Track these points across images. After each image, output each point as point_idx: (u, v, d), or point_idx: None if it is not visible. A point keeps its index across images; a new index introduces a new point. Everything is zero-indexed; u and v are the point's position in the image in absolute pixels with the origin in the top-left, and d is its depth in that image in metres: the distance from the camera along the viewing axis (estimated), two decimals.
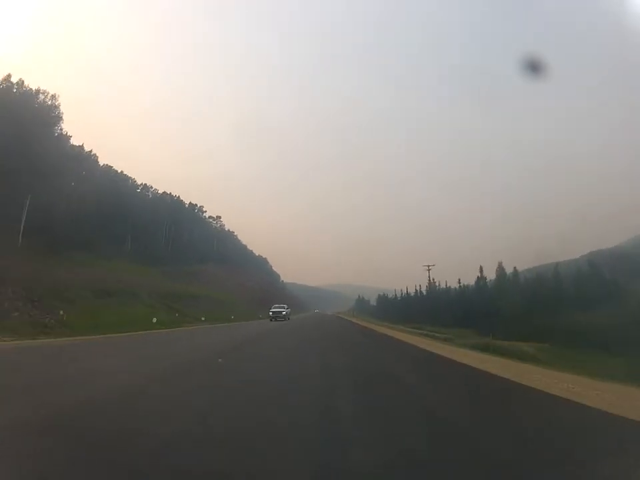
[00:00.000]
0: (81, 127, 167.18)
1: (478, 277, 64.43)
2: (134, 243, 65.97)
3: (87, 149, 65.89)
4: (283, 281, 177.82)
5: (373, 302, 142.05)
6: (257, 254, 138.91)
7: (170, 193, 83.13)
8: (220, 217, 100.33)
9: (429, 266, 57.28)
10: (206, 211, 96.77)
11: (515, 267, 65.07)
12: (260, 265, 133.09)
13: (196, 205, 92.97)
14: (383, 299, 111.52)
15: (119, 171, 75.52)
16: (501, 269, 59.72)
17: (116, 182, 70.82)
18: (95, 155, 67.59)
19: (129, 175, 77.12)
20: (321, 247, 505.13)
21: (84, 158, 62.97)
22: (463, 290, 69.83)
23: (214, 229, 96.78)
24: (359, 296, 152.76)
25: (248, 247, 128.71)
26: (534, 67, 23.77)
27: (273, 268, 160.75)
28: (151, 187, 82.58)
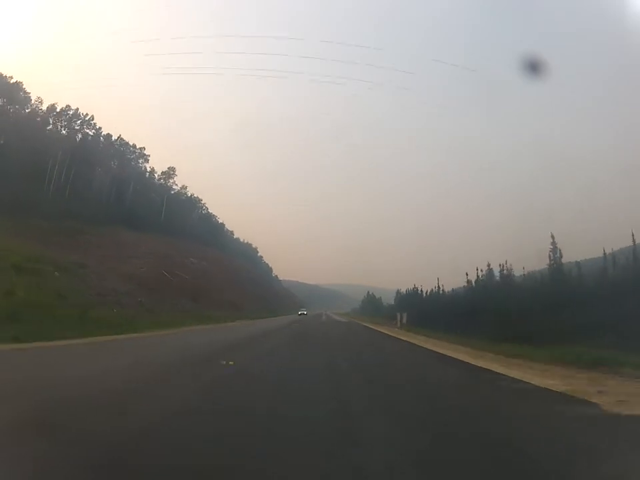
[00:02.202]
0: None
1: None
2: None
3: None
4: (276, 275, 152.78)
5: (383, 301, 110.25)
6: (242, 240, 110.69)
7: (75, 109, 52.08)
8: (174, 170, 68.89)
9: None
10: (149, 156, 65.54)
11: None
12: (242, 249, 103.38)
13: (132, 144, 61.81)
14: (410, 298, 75.08)
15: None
16: None
17: None
18: None
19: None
20: (321, 245, 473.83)
21: None
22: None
23: (160, 186, 65.21)
24: (368, 293, 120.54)
25: (227, 227, 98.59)
26: (534, 67, 22.84)
27: (264, 259, 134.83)
28: (59, 110, 51.62)
